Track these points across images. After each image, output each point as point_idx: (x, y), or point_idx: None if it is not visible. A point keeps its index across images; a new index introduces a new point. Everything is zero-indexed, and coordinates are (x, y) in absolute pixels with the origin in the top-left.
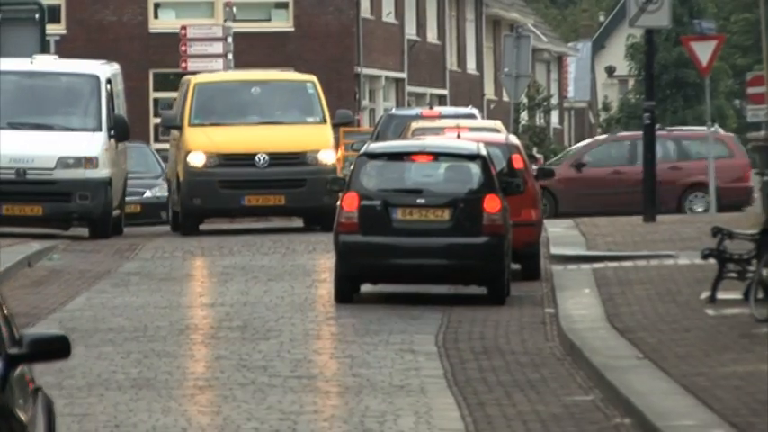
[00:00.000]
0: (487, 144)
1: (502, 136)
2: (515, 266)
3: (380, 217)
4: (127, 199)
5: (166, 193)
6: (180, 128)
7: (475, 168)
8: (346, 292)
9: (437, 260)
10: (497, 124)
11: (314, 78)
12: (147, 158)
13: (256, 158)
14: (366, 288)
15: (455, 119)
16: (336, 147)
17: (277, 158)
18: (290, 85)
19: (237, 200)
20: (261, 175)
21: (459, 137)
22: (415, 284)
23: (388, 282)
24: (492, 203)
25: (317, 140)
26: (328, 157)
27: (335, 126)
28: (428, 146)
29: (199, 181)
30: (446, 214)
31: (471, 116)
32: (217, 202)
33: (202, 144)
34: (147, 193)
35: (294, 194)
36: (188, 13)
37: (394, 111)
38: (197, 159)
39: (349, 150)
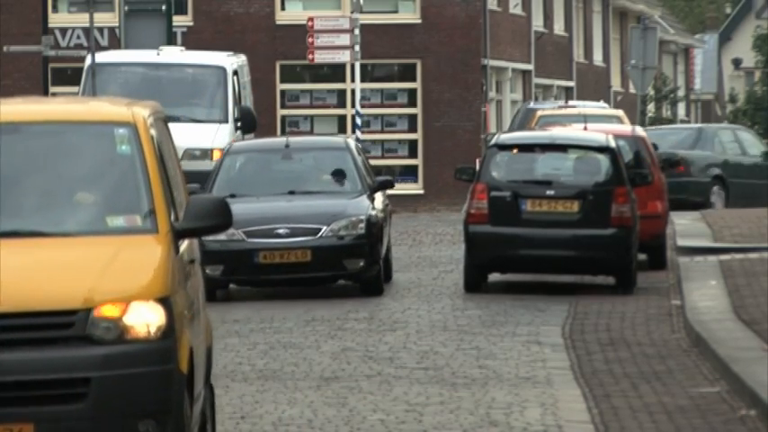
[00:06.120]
0: (614, 136)
1: (628, 128)
2: (641, 256)
3: (510, 208)
4: None
5: None
6: None
7: (604, 160)
8: (475, 282)
9: (566, 251)
10: (619, 112)
11: (136, 117)
12: None
13: None
14: (493, 277)
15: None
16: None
17: (9, 328)
18: (64, 138)
19: None
20: None
21: (586, 128)
22: (543, 274)
23: (516, 272)
24: (620, 195)
25: (120, 279)
26: (151, 318)
27: (201, 232)
28: (558, 137)
29: None
30: (575, 206)
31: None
32: None
33: None
34: None
35: (51, 420)
36: (315, 4)
37: (532, 104)
38: None
39: None
